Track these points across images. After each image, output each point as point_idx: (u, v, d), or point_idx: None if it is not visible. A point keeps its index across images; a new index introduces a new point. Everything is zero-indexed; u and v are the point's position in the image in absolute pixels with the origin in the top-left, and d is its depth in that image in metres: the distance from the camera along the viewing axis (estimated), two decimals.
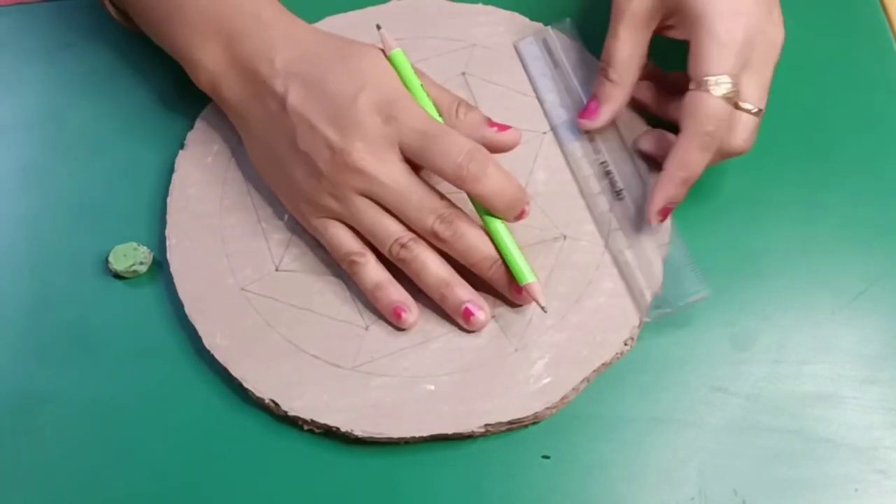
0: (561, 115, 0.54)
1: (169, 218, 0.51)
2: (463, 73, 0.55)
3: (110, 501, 0.46)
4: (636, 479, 0.45)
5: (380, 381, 0.47)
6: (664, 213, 0.48)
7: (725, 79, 0.46)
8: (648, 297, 0.48)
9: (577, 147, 0.53)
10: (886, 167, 0.53)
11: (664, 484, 0.45)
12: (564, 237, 0.50)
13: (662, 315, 0.48)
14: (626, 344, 0.48)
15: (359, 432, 0.45)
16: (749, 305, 0.49)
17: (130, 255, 0.51)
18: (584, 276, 0.49)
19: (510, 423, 0.46)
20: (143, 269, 0.51)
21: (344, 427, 0.45)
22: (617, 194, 0.51)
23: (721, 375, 0.48)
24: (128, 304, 0.51)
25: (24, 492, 0.46)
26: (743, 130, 0.48)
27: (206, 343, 0.48)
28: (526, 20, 0.57)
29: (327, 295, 0.49)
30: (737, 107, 0.47)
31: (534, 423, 0.47)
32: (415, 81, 0.48)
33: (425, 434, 0.45)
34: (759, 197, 0.52)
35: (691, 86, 0.47)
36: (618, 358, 0.48)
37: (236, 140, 0.53)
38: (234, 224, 0.51)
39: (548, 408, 0.46)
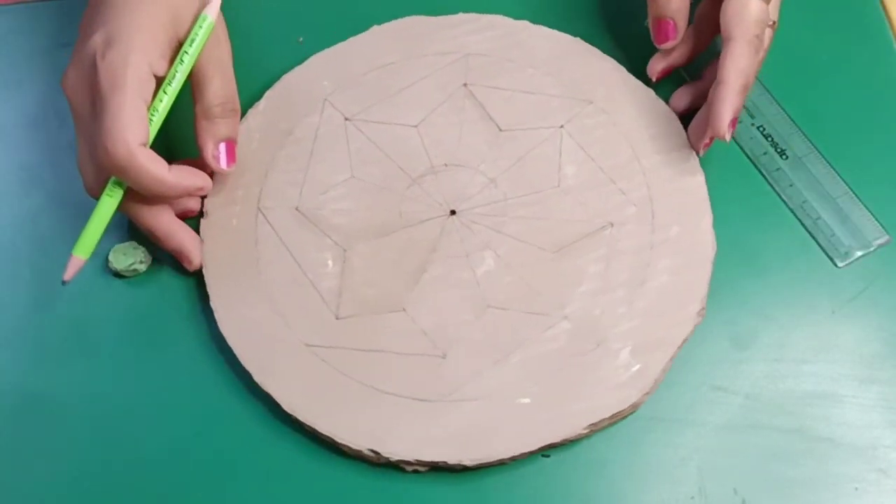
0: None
1: (210, 291, 0.49)
2: (465, 84, 0.54)
3: (110, 501, 0.46)
4: (636, 478, 0.46)
5: (471, 405, 0.46)
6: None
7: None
8: (844, 242, 0.50)
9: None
10: (886, 166, 0.53)
11: (664, 482, 0.45)
12: (611, 224, 0.50)
13: (851, 261, 0.50)
14: (699, 315, 0.48)
15: (468, 461, 0.45)
16: (749, 304, 0.49)
17: (130, 254, 0.51)
18: (640, 260, 0.49)
19: (612, 417, 0.46)
20: (143, 267, 0.51)
21: (452, 460, 0.45)
22: (781, 153, 0.52)
23: (721, 374, 0.48)
24: (129, 303, 0.51)
25: (23, 491, 0.46)
26: (767, 41, 0.50)
27: (286, 407, 0.46)
28: (509, 20, 0.57)
29: (395, 332, 0.48)
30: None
31: (631, 413, 0.47)
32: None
33: (534, 447, 0.45)
34: (759, 195, 0.53)
35: None
36: (695, 327, 0.48)
37: (256, 194, 0.51)
38: (278, 281, 0.49)
39: (644, 394, 0.46)
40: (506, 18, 0.57)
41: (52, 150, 0.55)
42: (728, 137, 0.49)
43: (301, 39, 0.57)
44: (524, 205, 0.51)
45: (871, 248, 0.50)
